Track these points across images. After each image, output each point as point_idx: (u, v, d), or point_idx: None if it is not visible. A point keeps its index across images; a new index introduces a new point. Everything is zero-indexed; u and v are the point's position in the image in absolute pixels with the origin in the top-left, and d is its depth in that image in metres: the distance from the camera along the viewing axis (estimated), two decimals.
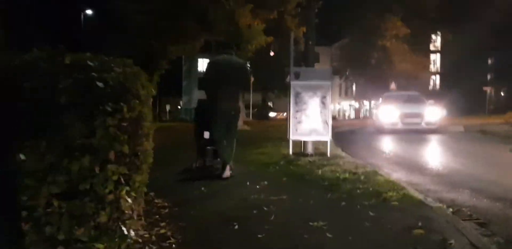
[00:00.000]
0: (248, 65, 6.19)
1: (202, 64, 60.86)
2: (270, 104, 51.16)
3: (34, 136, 2.00)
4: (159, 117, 55.51)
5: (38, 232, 2.01)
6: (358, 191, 4.14)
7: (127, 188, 2.36)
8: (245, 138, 11.28)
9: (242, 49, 13.87)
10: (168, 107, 53.78)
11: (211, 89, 4.97)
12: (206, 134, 5.19)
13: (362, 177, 4.80)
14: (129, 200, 2.38)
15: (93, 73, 2.19)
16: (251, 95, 32.89)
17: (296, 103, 6.87)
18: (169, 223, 3.08)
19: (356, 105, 51.63)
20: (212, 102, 4.92)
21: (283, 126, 17.39)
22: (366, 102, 47.78)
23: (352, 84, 48.97)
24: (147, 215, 3.18)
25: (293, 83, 6.91)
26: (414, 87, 28.10)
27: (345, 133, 14.06)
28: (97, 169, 2.10)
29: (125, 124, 2.28)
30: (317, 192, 4.14)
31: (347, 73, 41.48)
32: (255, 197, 3.91)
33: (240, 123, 14.48)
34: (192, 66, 61.73)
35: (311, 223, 3.05)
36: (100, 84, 2.16)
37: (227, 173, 4.91)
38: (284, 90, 34.57)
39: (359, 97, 48.38)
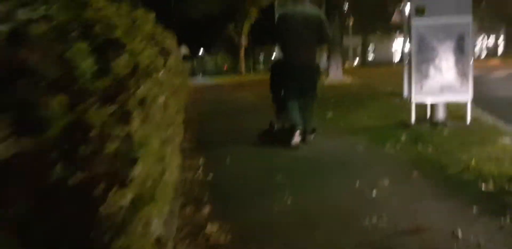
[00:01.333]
0: (323, 17, 4.55)
1: None
2: (370, 48, 47.20)
3: None
4: (254, 67, 54.84)
5: None
6: None
7: None
8: (344, 94, 9.50)
9: None
10: (261, 57, 52.58)
11: (283, 45, 4.51)
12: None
13: None
14: None
15: None
16: (350, 39, 29.80)
17: (419, 50, 4.89)
18: None
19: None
20: (286, 58, 4.46)
21: (392, 75, 15.24)
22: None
23: None
24: None
25: (416, 22, 4.89)
26: None
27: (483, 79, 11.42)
28: None
29: None
30: (484, 211, 2.38)
31: None
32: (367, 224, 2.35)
33: (339, 75, 12.76)
34: None
35: None
36: None
37: (296, 139, 4.27)
38: (387, 32, 31.16)
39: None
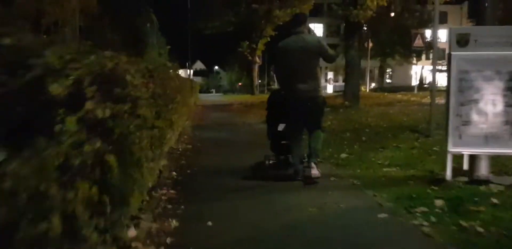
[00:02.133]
0: (322, 42, 4.41)
1: (313, 30, 57.54)
2: (388, 71, 46.37)
3: None
4: (268, 86, 54.20)
5: None
6: None
7: None
8: (361, 124, 8.59)
9: (360, 6, 10.84)
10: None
11: (282, 76, 4.44)
12: (281, 127, 4.54)
13: None
14: None
15: None
16: (368, 62, 28.97)
17: (460, 89, 3.97)
18: None
19: None
20: (286, 91, 4.35)
21: (411, 103, 14.28)
22: None
23: None
24: None
25: (456, 55, 3.98)
26: None
27: None
28: None
29: None
30: None
31: None
32: None
33: (355, 101, 11.83)
34: None
35: None
36: None
37: (315, 171, 4.04)
38: (406, 55, 30.32)
39: None
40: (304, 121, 4.24)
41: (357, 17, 10.90)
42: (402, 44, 33.45)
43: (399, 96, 18.25)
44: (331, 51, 4.25)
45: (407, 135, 6.94)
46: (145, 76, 2.88)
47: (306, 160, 4.26)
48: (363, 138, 6.81)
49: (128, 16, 22.80)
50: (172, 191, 3.76)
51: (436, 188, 3.78)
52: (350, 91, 12.10)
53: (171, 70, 5.20)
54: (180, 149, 6.20)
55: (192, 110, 13.27)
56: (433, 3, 5.00)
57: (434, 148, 5.56)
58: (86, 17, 15.37)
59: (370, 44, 20.10)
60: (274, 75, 4.74)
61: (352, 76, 12.03)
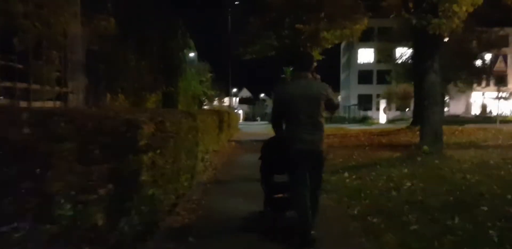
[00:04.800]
0: (330, 89, 3.80)
1: (363, 55, 54.65)
2: (446, 99, 42.08)
3: None
4: None
5: None
6: None
7: None
8: (462, 198, 5.25)
9: (443, 12, 7.83)
10: None
11: (287, 125, 3.94)
12: (278, 178, 4.19)
13: None
14: None
15: None
16: None
17: None
18: None
19: None
20: (288, 141, 3.85)
21: (497, 146, 10.23)
22: None
23: None
24: None
25: None
26: None
27: None
28: None
29: None
30: None
31: None
32: None
33: (438, 148, 8.44)
34: (352, 57, 55.54)
35: None
36: None
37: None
38: (469, 81, 26.50)
39: None
40: (308, 173, 3.82)
41: (438, 29, 7.92)
42: (466, 69, 29.70)
43: (480, 131, 14.58)
44: (336, 100, 4.01)
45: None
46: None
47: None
48: (490, 233, 3.71)
49: (160, 39, 20.61)
50: None
51: None
52: (429, 131, 8.82)
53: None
54: None
55: (220, 150, 10.53)
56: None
57: None
58: (100, 40, 13.08)
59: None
60: (273, 122, 4.05)
61: (432, 110, 8.75)
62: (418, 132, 15.03)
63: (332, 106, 3.92)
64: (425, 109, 8.78)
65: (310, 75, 3.93)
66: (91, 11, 11.99)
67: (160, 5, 19.87)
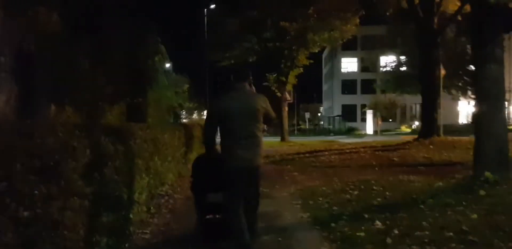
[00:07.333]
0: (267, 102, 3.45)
1: (346, 64, 52.95)
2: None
3: None
4: (298, 125, 48.76)
5: None
6: None
7: None
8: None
9: None
10: (307, 115, 46.89)
11: (215, 139, 3.77)
12: (211, 197, 3.97)
13: None
14: None
15: None
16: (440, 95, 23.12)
17: None
18: None
19: None
20: (224, 157, 3.64)
21: None
22: None
23: None
24: None
25: None
26: None
27: None
28: None
29: None
30: None
31: None
32: None
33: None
34: (334, 67, 53.77)
35: None
36: None
37: None
38: (465, 88, 24.37)
39: None
40: (244, 191, 3.68)
41: None
42: (463, 75, 27.97)
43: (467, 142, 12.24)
44: (272, 113, 3.86)
45: None
46: None
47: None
48: None
49: (124, 43, 17.78)
50: None
51: None
52: (491, 148, 6.19)
53: None
54: None
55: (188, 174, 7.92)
56: None
57: None
58: (39, 39, 10.39)
59: (443, 72, 14.59)
60: (205, 137, 3.79)
61: (496, 117, 6.15)
62: (431, 146, 12.79)
63: (269, 120, 3.84)
64: (483, 117, 6.19)
65: (248, 86, 3.78)
66: (25, 2, 9.41)
67: (126, 3, 17.02)
